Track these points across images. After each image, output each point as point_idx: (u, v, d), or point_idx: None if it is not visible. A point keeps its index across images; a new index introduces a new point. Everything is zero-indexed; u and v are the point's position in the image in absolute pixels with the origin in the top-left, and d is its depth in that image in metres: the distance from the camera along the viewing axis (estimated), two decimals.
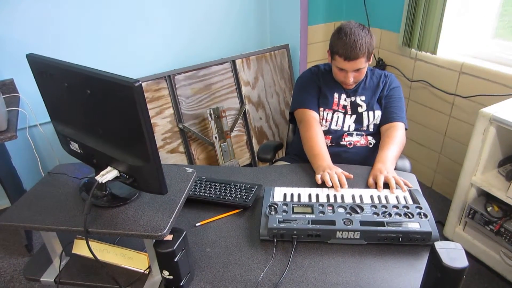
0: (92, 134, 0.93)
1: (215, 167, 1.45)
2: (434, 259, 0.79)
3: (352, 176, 1.26)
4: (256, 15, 2.51)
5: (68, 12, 1.98)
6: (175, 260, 0.86)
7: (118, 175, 0.91)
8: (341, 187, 1.20)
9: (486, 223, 1.67)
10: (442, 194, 2.33)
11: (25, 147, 2.08)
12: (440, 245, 0.80)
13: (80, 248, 1.04)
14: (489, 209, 1.67)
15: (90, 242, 0.99)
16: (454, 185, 1.99)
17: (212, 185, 1.26)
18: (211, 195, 1.22)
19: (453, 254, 0.78)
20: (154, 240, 0.88)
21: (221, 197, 1.20)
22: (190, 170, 1.07)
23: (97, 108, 0.86)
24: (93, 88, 0.82)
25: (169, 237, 0.87)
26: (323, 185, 1.22)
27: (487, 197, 1.72)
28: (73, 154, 1.04)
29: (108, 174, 0.90)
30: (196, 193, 1.23)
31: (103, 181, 0.88)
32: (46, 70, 0.93)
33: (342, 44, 1.35)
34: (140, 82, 0.72)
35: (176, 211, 0.91)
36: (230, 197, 1.20)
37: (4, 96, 1.84)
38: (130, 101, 0.74)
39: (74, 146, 1.00)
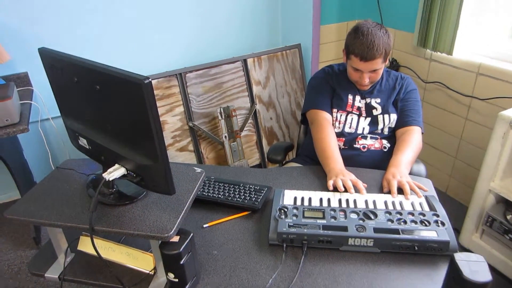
0: (100, 130, 0.91)
1: (224, 167, 1.42)
2: (454, 272, 0.75)
3: (364, 188, 1.19)
4: (268, 14, 2.47)
5: (82, 8, 1.98)
6: (181, 262, 0.83)
7: (126, 173, 0.89)
8: (360, 193, 1.15)
9: (505, 231, 1.61)
10: (457, 200, 2.26)
11: (36, 140, 2.09)
12: (460, 257, 0.76)
13: (86, 245, 1.02)
14: (508, 217, 1.61)
15: (95, 240, 0.97)
16: (470, 190, 1.93)
17: (221, 186, 1.23)
18: (219, 196, 1.19)
19: (475, 267, 0.74)
20: (160, 241, 0.85)
21: (230, 198, 1.18)
22: (199, 170, 1.05)
23: (105, 104, 0.84)
24: (102, 83, 0.80)
25: (176, 238, 0.85)
26: (334, 189, 1.19)
27: (506, 204, 1.66)
28: (82, 150, 1.02)
29: (115, 172, 0.88)
30: (204, 193, 1.20)
31: (110, 179, 0.86)
32: (56, 64, 0.91)
33: (359, 44, 1.31)
34: (150, 80, 0.70)
35: (183, 212, 0.89)
36: (239, 199, 1.17)
37: (18, 89, 1.85)
38: (139, 98, 0.71)
39: (83, 141, 0.98)
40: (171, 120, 2.17)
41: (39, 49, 0.94)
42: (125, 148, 0.86)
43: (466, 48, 1.96)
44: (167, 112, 2.15)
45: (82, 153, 1.04)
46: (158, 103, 2.10)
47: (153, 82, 2.08)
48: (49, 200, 0.96)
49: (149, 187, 0.89)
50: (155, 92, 2.07)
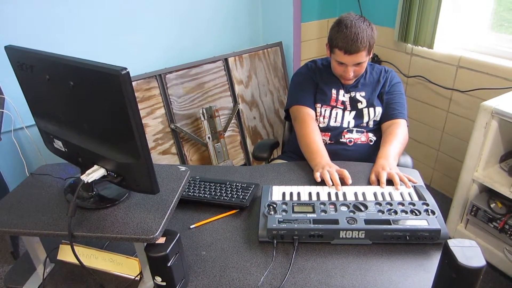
0: (76, 130, 0.86)
1: (209, 167, 1.39)
2: (448, 258, 0.74)
3: (351, 181, 1.18)
4: (248, 12, 2.45)
5: (55, 11, 1.90)
6: (168, 265, 0.79)
7: (106, 174, 0.85)
8: (345, 182, 1.15)
9: (489, 220, 1.63)
10: (441, 192, 2.29)
11: (10, 151, 2.00)
12: (454, 243, 0.74)
13: (66, 254, 0.97)
14: (492, 205, 1.63)
15: (76, 248, 0.92)
16: (453, 182, 1.96)
17: (207, 185, 1.19)
18: (205, 195, 1.15)
19: (468, 252, 0.73)
20: (145, 244, 0.81)
21: (217, 197, 1.14)
22: (183, 168, 1.01)
23: (81, 101, 0.79)
24: (76, 79, 0.76)
25: (162, 240, 0.80)
26: (323, 183, 1.17)
27: (489, 193, 1.68)
28: (57, 153, 0.97)
29: (94, 173, 0.83)
30: (190, 193, 1.16)
31: (89, 181, 0.81)
32: (26, 62, 0.86)
33: (342, 37, 1.30)
34: (127, 70, 0.66)
35: (168, 212, 0.85)
36: (226, 197, 1.14)
37: None
38: (117, 91, 0.67)
39: (58, 144, 0.93)
40: (152, 123, 2.11)
41: (5, 47, 0.88)
42: (104, 147, 0.81)
43: (446, 41, 1.99)
44: (147, 114, 2.09)
45: (60, 160, 0.99)
46: (139, 106, 2.04)
47: (132, 84, 2.02)
48: (23, 208, 0.90)
49: (131, 187, 0.84)
50: (135, 94, 2.01)
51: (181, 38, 2.28)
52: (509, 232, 1.58)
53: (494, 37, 1.92)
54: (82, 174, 0.84)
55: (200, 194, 1.16)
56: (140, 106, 2.05)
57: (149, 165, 0.76)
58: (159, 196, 0.89)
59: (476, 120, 1.58)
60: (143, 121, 2.08)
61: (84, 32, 2.01)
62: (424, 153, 2.32)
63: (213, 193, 1.15)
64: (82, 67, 0.72)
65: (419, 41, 2.01)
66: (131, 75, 2.04)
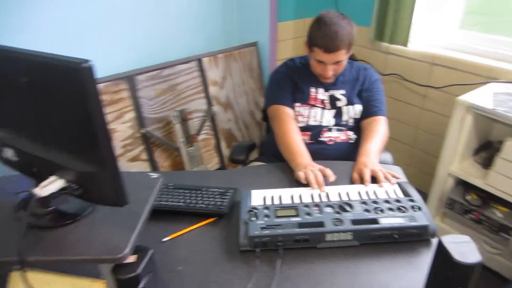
0: (30, 135, 0.75)
1: (182, 172, 1.30)
2: (443, 256, 0.70)
3: (334, 177, 1.15)
4: (223, 11, 2.37)
5: (16, 7, 1.74)
6: (140, 287, 0.70)
7: (65, 185, 0.74)
8: (329, 179, 1.12)
9: (465, 212, 1.65)
10: (416, 188, 2.30)
11: None
12: (448, 239, 0.71)
13: (18, 283, 0.84)
14: (468, 198, 1.65)
15: (30, 274, 0.81)
16: (428, 177, 1.97)
17: (181, 192, 1.11)
18: (179, 203, 1.06)
19: (463, 248, 0.70)
20: (113, 264, 0.72)
21: (192, 205, 1.06)
22: (155, 175, 0.92)
23: (36, 101, 0.68)
24: (30, 75, 0.65)
25: (132, 258, 0.71)
26: (305, 183, 1.11)
27: (465, 186, 1.70)
28: (8, 163, 0.85)
29: (50, 185, 0.72)
30: (162, 202, 1.07)
31: (43, 195, 0.70)
32: None
33: (322, 35, 1.26)
34: (90, 63, 0.57)
35: (139, 226, 0.76)
36: (202, 205, 1.05)
37: None
38: (78, 87, 0.58)
39: (8, 153, 0.81)
40: (120, 128, 1.99)
41: None
42: (63, 155, 0.71)
43: (421, 40, 2.02)
44: (116, 119, 1.96)
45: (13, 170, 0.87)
46: (106, 110, 1.90)
47: (99, 86, 1.89)
48: None
49: (96, 200, 0.75)
50: (102, 97, 1.88)
51: (152, 37, 2.15)
52: (485, 223, 1.59)
53: (465, 35, 1.96)
54: (36, 187, 0.74)
55: (174, 203, 1.07)
56: (107, 109, 1.92)
57: (115, 173, 0.67)
58: (128, 208, 0.79)
59: (452, 115, 1.59)
60: (111, 126, 1.95)
61: (46, 30, 1.84)
62: (398, 150, 2.33)
63: (188, 201, 1.07)
64: (37, 60, 0.62)
65: (394, 40, 2.02)
66: (98, 76, 1.90)
